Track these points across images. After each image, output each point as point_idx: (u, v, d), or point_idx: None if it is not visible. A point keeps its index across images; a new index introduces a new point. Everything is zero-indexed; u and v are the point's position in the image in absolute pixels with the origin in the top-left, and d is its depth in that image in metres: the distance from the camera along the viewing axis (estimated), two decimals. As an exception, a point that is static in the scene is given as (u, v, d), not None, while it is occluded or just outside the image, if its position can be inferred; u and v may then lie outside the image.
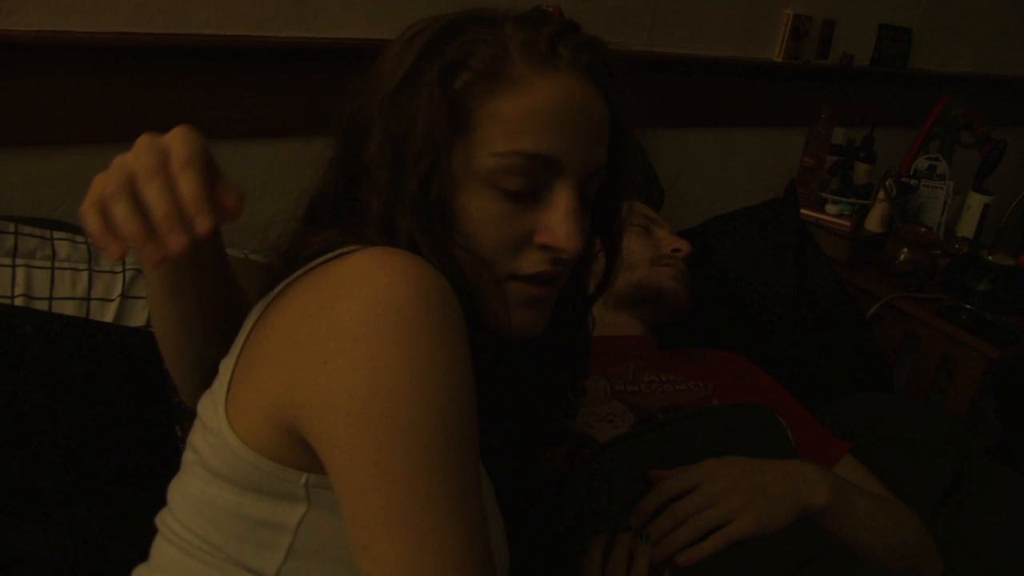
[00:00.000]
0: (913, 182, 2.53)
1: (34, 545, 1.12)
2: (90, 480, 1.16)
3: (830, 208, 2.41)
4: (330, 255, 0.78)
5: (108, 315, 1.30)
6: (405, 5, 1.67)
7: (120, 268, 1.34)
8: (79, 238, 1.33)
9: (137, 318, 1.32)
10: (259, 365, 0.76)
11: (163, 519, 0.84)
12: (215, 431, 0.77)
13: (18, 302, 1.23)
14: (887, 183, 2.40)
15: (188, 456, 0.83)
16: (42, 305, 1.25)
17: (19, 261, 1.25)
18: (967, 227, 2.62)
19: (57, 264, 1.29)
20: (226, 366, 0.81)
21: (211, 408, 0.79)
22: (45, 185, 1.44)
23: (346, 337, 0.67)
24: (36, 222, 1.33)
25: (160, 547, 0.84)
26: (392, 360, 0.67)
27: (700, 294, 1.67)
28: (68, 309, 1.27)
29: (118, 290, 1.32)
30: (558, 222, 0.82)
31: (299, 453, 0.73)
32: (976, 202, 2.60)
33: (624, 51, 1.91)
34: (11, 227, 1.28)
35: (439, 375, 0.68)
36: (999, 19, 3.01)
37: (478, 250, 0.81)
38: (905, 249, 2.31)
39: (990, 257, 2.19)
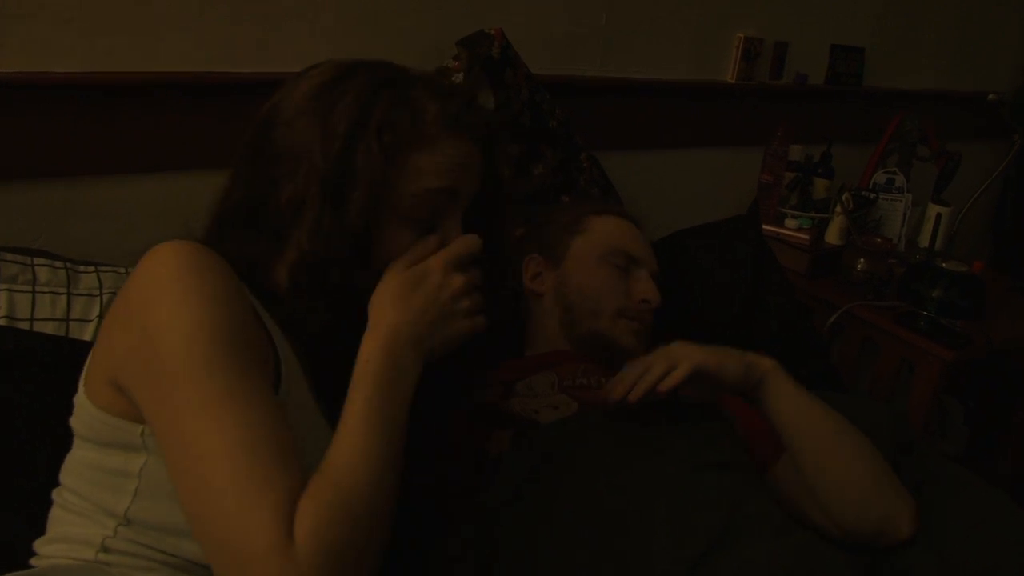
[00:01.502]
0: (871, 195, 2.60)
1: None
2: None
3: (789, 223, 2.49)
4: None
5: (87, 334, 1.37)
6: (366, 37, 1.77)
7: (98, 292, 1.41)
8: (58, 264, 1.40)
9: (114, 337, 1.39)
10: (99, 343, 0.96)
11: (56, 491, 1.01)
12: (80, 404, 0.96)
13: (1, 323, 1.30)
14: (844, 196, 2.48)
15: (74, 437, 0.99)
16: (24, 326, 1.31)
17: (2, 286, 1.32)
18: (927, 237, 2.67)
19: (38, 288, 1.35)
20: (90, 355, 0.99)
21: (79, 390, 0.97)
22: (27, 216, 1.52)
23: (132, 303, 0.89)
24: (18, 250, 1.40)
25: (51, 513, 1.00)
26: (159, 308, 0.86)
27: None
28: (48, 329, 1.33)
29: (96, 312, 1.39)
30: (451, 231, 1.04)
31: (135, 409, 0.89)
32: (935, 213, 2.65)
33: (577, 77, 2.02)
34: (-7, 254, 1.36)
35: (193, 312, 0.85)
36: (949, 37, 3.10)
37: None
38: (862, 259, 2.38)
39: (944, 265, 2.25)
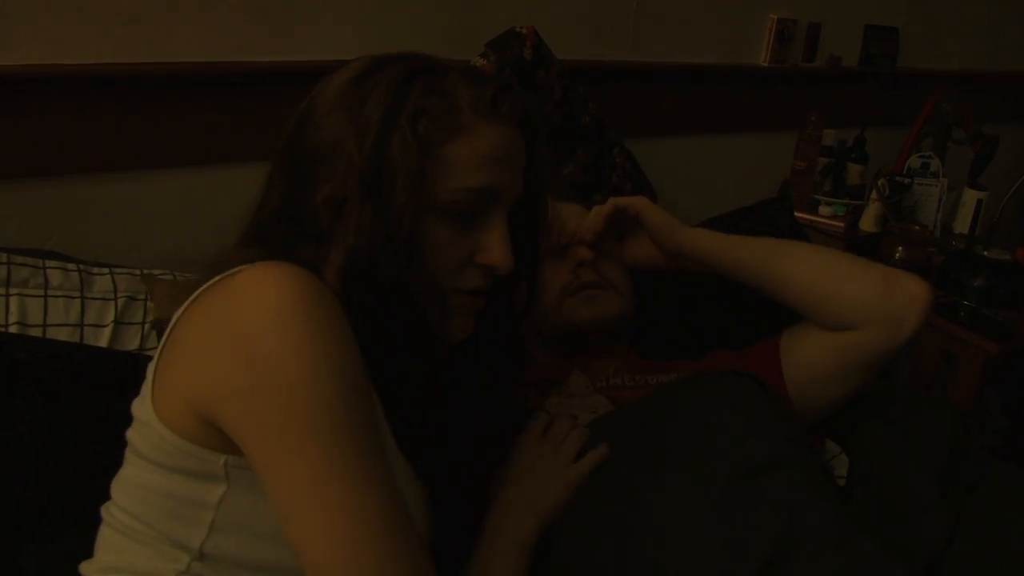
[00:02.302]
0: (906, 180, 2.53)
1: (39, 569, 1.15)
2: (87, 502, 1.17)
3: (823, 210, 2.42)
4: (235, 270, 0.87)
5: (102, 340, 1.32)
6: (388, 28, 1.72)
7: (112, 295, 1.35)
8: (71, 266, 1.35)
9: (130, 342, 1.34)
10: (176, 364, 0.88)
11: (106, 508, 0.95)
12: (145, 422, 0.88)
13: (13, 330, 1.25)
14: (879, 183, 2.41)
15: (127, 452, 0.93)
16: (36, 332, 1.27)
17: (12, 290, 1.27)
18: (963, 223, 2.61)
19: (50, 292, 1.30)
20: (151, 367, 0.92)
21: (140, 405, 0.90)
22: (38, 216, 1.47)
23: (244, 337, 0.80)
24: (29, 252, 1.35)
25: (102, 533, 0.95)
26: (282, 355, 0.79)
27: (687, 301, 1.66)
28: (62, 335, 1.29)
29: (111, 316, 1.34)
30: (495, 244, 0.96)
31: (217, 438, 0.84)
32: (971, 198, 2.59)
33: (607, 61, 1.96)
34: (4, 257, 1.30)
35: (324, 365, 0.80)
36: (986, 15, 3.02)
37: (430, 270, 0.94)
38: (900, 248, 2.31)
39: (985, 252, 2.19)
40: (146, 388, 0.90)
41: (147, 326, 1.36)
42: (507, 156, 0.97)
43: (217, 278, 0.88)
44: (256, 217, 0.99)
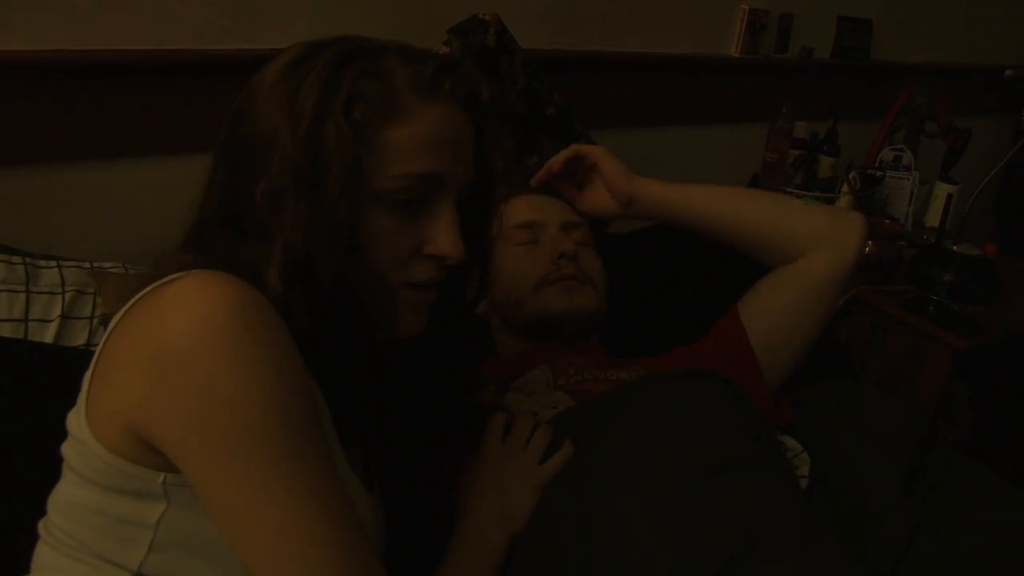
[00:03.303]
0: (878, 173, 2.52)
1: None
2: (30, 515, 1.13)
3: (794, 203, 2.40)
4: (172, 276, 0.83)
5: (47, 336, 1.28)
6: (346, 14, 1.68)
7: (60, 289, 1.31)
8: (16, 259, 1.31)
9: (77, 338, 1.30)
10: (110, 380, 0.83)
11: (43, 524, 0.91)
12: (79, 438, 0.84)
13: (-48, 326, 1.21)
14: (851, 176, 2.39)
15: (63, 467, 0.89)
16: (-23, 329, 1.23)
17: (-47, 285, 1.24)
18: (935, 217, 2.59)
19: (-8, 286, 1.27)
20: (86, 378, 0.87)
21: (75, 420, 0.85)
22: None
23: (177, 355, 0.75)
24: (-31, 245, 1.31)
25: (39, 550, 0.91)
26: (219, 373, 0.75)
27: (654, 296, 1.64)
28: (5, 332, 1.25)
29: (57, 311, 1.30)
30: (443, 233, 0.92)
31: (154, 456, 0.80)
32: (942, 191, 2.57)
33: (575, 52, 1.93)
34: (-57, 250, 1.26)
35: (266, 383, 0.76)
36: (960, 7, 3.01)
37: (375, 263, 0.89)
38: (870, 242, 2.29)
39: (955, 247, 2.17)
40: (80, 400, 0.86)
41: (95, 321, 1.32)
42: (451, 139, 0.92)
43: (151, 287, 0.83)
44: (197, 217, 0.94)
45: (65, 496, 0.87)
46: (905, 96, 2.65)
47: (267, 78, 0.90)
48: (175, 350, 0.75)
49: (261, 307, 0.79)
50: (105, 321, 1.30)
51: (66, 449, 0.88)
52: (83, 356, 1.25)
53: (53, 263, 1.35)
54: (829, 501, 1.28)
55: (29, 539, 0.92)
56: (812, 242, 1.42)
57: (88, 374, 0.86)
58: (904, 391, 2.18)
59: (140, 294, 0.84)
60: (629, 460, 1.10)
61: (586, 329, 1.48)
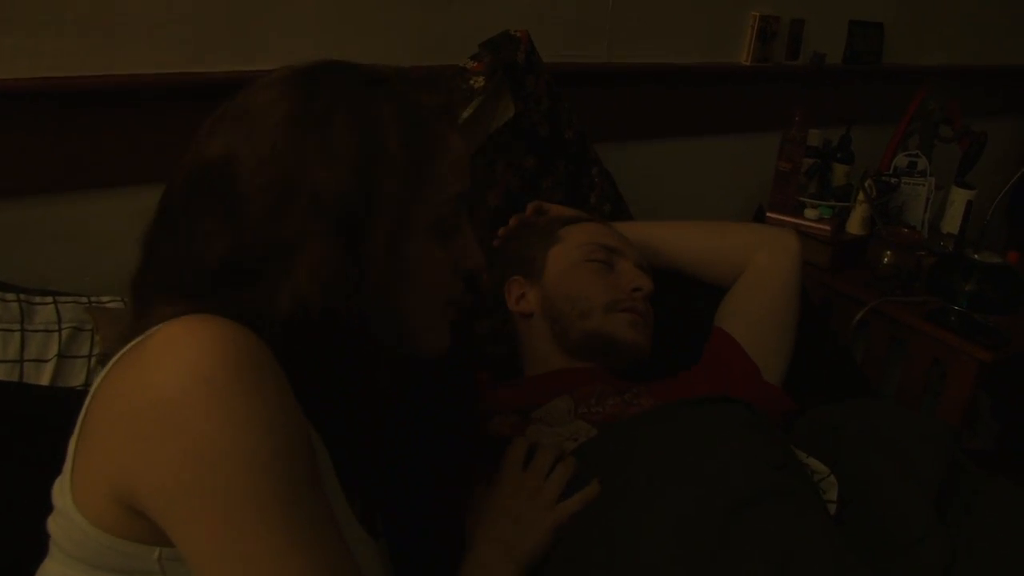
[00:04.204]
0: (893, 180, 2.47)
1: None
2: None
3: (809, 213, 2.35)
4: (151, 331, 0.77)
5: (44, 377, 1.23)
6: (352, 32, 1.64)
7: (56, 327, 1.27)
8: (10, 296, 1.26)
9: (75, 378, 1.26)
10: (93, 444, 0.77)
11: None
12: (64, 513, 0.78)
13: (-57, 370, 1.16)
14: (866, 183, 2.35)
15: (50, 543, 0.83)
16: (-29, 371, 1.18)
17: (-55, 326, 1.19)
18: (951, 223, 2.56)
19: (-14, 326, 1.22)
20: (72, 444, 0.80)
21: (59, 491, 0.80)
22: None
23: (162, 412, 0.69)
24: (-38, 283, 1.27)
25: None
26: (210, 429, 0.69)
27: (668, 319, 1.60)
28: (-1, 373, 1.20)
29: (54, 350, 1.25)
30: (472, 246, 0.94)
31: (147, 528, 0.74)
32: (959, 197, 2.54)
33: (584, 64, 1.89)
34: (-65, 289, 1.22)
35: (259, 434, 0.71)
36: (973, 8, 2.98)
37: (430, 290, 0.91)
38: (888, 252, 2.25)
39: (976, 256, 2.12)
40: (65, 471, 0.80)
41: (93, 360, 1.28)
42: (467, 157, 0.94)
43: (132, 343, 0.78)
44: (190, 265, 0.84)
45: (53, 575, 0.81)
46: (918, 100, 2.61)
47: (268, 123, 0.83)
48: (159, 401, 0.70)
49: (254, 352, 0.74)
50: (103, 360, 1.25)
51: (52, 524, 0.82)
52: (81, 397, 1.21)
53: (49, 299, 1.30)
54: (860, 526, 1.24)
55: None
56: (750, 252, 1.60)
57: (73, 440, 0.80)
58: (926, 404, 2.13)
59: (121, 352, 0.79)
60: (655, 494, 1.07)
61: (628, 367, 1.48)
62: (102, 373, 0.79)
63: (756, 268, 1.59)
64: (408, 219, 0.84)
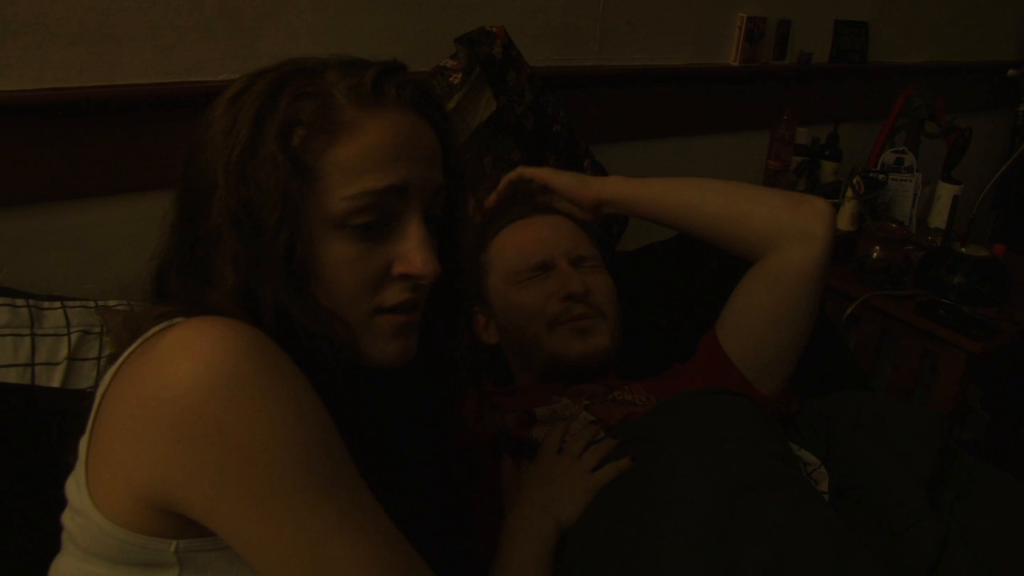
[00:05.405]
0: (881, 176, 2.51)
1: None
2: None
3: (799, 210, 2.38)
4: (156, 328, 0.79)
5: (55, 380, 1.25)
6: (348, 40, 1.66)
7: (65, 330, 1.29)
8: (19, 302, 1.28)
9: (85, 380, 1.27)
10: (112, 446, 0.77)
11: None
12: (81, 511, 0.79)
13: (-43, 375, 1.18)
14: (854, 180, 2.38)
15: (63, 536, 0.84)
16: (-17, 376, 1.20)
17: (-43, 332, 1.21)
18: (939, 218, 2.60)
19: (-3, 331, 1.24)
20: (83, 444, 0.81)
21: (75, 489, 0.80)
22: (-20, 250, 1.40)
23: (189, 412, 0.70)
24: (-26, 289, 1.29)
25: None
26: (242, 424, 0.70)
27: (662, 311, 1.62)
28: (11, 377, 1.22)
29: (64, 352, 1.27)
30: (412, 251, 0.86)
31: (167, 523, 0.76)
32: (946, 192, 2.58)
33: (575, 67, 1.88)
34: (-54, 296, 1.24)
35: (288, 421, 0.72)
36: (955, 5, 3.01)
37: (342, 295, 0.85)
38: (877, 247, 2.28)
39: (963, 249, 2.17)
40: (80, 470, 0.80)
41: (103, 361, 1.30)
42: (406, 146, 0.86)
43: (138, 343, 0.79)
44: (157, 265, 0.90)
45: (71, 571, 0.82)
46: (904, 97, 2.65)
47: (210, 115, 0.86)
48: (186, 406, 0.70)
49: (262, 343, 0.75)
50: (113, 360, 1.28)
51: (67, 520, 0.83)
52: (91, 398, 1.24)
53: (57, 304, 1.32)
54: (854, 515, 1.27)
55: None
56: (775, 236, 1.35)
57: (84, 440, 0.81)
58: (917, 397, 2.16)
59: (128, 351, 0.80)
60: (664, 482, 1.09)
61: (605, 364, 1.46)
62: (110, 373, 0.81)
63: (774, 268, 1.36)
64: (294, 214, 0.81)
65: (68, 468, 0.85)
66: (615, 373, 1.48)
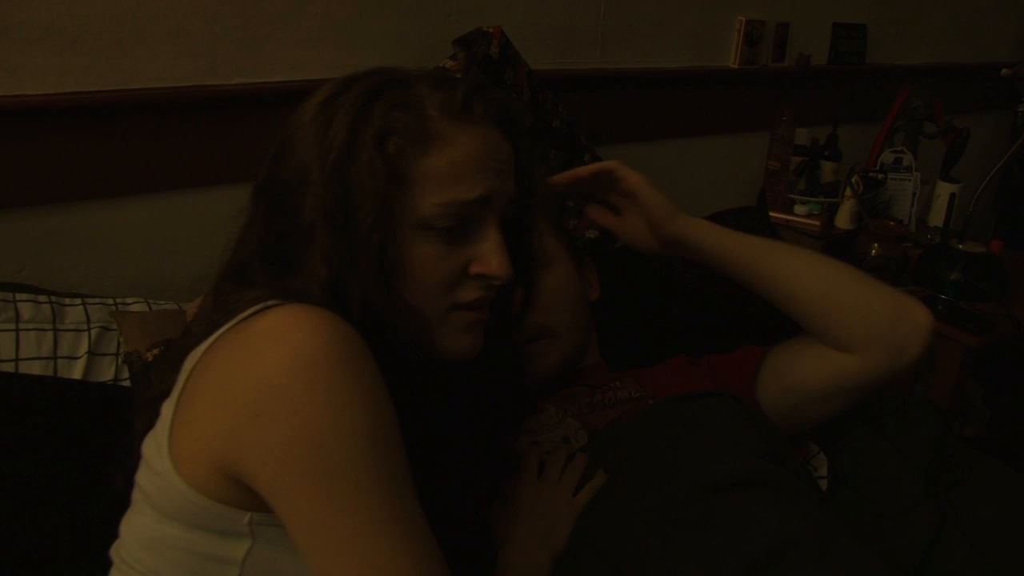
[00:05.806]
0: (880, 176, 2.54)
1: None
2: (64, 541, 1.15)
3: (799, 209, 2.42)
4: (253, 309, 0.84)
5: (76, 372, 1.30)
6: (358, 45, 1.70)
7: (85, 326, 1.34)
8: (42, 299, 1.33)
9: (104, 373, 1.32)
10: (197, 414, 0.83)
11: (117, 552, 0.90)
12: (161, 473, 0.83)
13: (-15, 366, 1.23)
14: (854, 180, 2.41)
15: (136, 494, 0.89)
16: (8, 367, 1.24)
17: (-17, 326, 1.25)
18: (938, 216, 2.61)
19: (21, 325, 1.28)
20: (167, 409, 0.86)
21: (155, 451, 0.85)
22: (8, 249, 1.44)
23: (272, 391, 0.75)
24: (-1, 286, 1.33)
25: None
26: (316, 408, 0.75)
27: (668, 304, 1.64)
28: (35, 369, 1.26)
29: (84, 347, 1.32)
30: (490, 253, 0.93)
31: (242, 494, 0.80)
32: (944, 191, 2.60)
33: (576, 70, 1.89)
34: (-27, 292, 1.28)
35: (358, 415, 0.76)
36: (952, 7, 3.03)
37: (423, 291, 0.91)
38: (876, 244, 2.31)
39: (961, 246, 2.19)
40: (162, 432, 0.85)
41: (120, 358, 1.34)
42: (490, 159, 0.93)
43: (232, 322, 0.85)
44: (237, 256, 0.95)
45: (145, 530, 0.87)
46: (902, 98, 2.67)
47: (302, 116, 0.92)
48: (271, 385, 0.75)
49: (350, 338, 0.80)
50: (129, 360, 1.32)
51: (143, 479, 0.87)
52: (110, 391, 1.28)
53: (78, 301, 1.37)
54: (850, 502, 1.30)
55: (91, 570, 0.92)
56: (868, 341, 1.22)
57: (170, 405, 0.86)
58: (917, 391, 2.18)
59: (223, 329, 0.85)
60: (642, 484, 1.12)
61: (569, 371, 1.45)
62: (202, 347, 0.87)
63: (847, 366, 1.25)
64: (388, 215, 0.87)
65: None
66: (605, 368, 1.49)
